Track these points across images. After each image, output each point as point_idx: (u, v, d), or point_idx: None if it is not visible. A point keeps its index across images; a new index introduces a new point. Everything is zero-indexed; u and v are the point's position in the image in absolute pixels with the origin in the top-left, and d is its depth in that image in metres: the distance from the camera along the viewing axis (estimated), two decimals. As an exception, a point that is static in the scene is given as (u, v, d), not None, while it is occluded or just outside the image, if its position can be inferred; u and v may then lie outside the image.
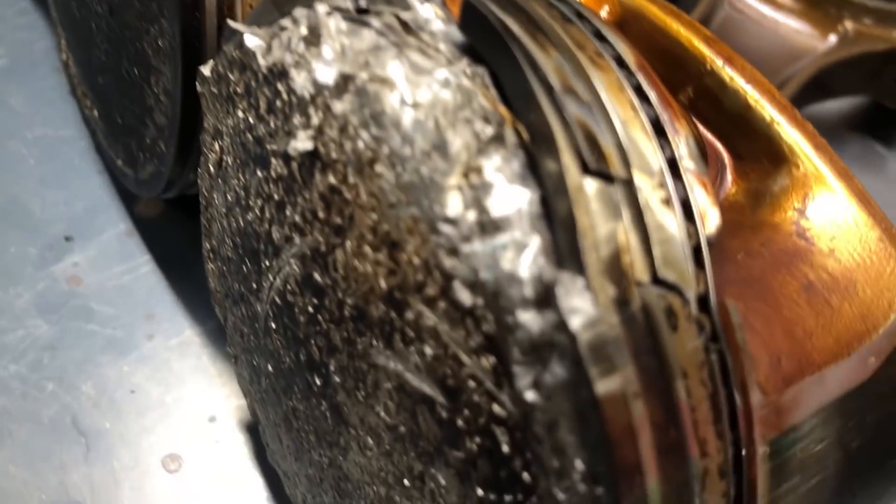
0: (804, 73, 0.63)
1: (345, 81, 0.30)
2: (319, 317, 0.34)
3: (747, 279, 0.30)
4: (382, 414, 0.32)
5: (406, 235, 0.29)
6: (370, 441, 0.34)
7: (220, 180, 0.41)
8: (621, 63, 0.29)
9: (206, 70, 0.39)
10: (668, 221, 0.26)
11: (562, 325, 0.24)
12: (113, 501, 0.48)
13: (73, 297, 0.54)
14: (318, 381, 0.36)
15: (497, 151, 0.27)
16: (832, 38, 0.66)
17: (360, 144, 0.30)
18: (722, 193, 0.35)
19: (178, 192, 0.51)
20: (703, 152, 0.29)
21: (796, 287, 0.31)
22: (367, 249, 0.30)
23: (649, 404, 0.25)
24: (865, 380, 0.30)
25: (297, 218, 0.34)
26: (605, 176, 0.26)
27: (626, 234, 0.25)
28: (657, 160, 0.27)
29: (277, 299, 0.37)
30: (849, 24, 0.66)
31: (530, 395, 0.26)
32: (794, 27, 0.66)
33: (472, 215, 0.27)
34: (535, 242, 0.26)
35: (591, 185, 0.26)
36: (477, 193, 0.27)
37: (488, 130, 0.27)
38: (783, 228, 0.32)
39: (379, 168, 0.29)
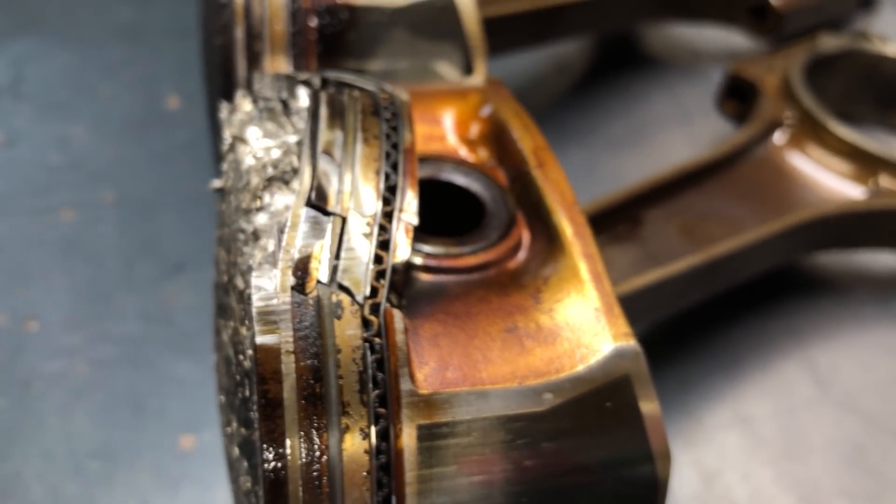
0: (826, 216, 0.66)
1: (233, 140, 0.45)
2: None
3: (462, 314, 0.39)
4: (224, 377, 0.45)
5: (232, 243, 0.42)
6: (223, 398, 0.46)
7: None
8: (396, 146, 0.41)
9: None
10: (359, 246, 0.37)
11: (250, 298, 0.36)
12: None
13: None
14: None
15: (277, 189, 0.40)
16: (861, 190, 0.69)
17: (230, 182, 0.44)
18: (514, 263, 0.44)
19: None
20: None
21: (500, 328, 0.39)
22: (223, 254, 0.44)
23: (300, 362, 0.35)
24: (540, 410, 0.38)
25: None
26: (322, 209, 0.38)
27: (322, 249, 0.37)
28: (373, 207, 0.38)
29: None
30: (883, 180, 0.69)
31: (250, 351, 0.38)
32: (824, 174, 0.70)
33: (250, 227, 0.39)
34: (271, 245, 0.38)
35: (308, 213, 0.38)
36: (253, 214, 0.40)
37: (270, 174, 0.40)
38: (526, 290, 0.41)
39: (230, 198, 0.43)
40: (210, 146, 0.82)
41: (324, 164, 0.39)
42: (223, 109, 0.50)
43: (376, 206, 0.38)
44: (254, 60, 0.57)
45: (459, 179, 0.46)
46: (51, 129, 0.84)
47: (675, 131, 0.87)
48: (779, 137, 0.73)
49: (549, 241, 0.43)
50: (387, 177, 0.40)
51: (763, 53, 0.83)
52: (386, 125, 0.42)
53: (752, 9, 0.85)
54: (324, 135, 0.40)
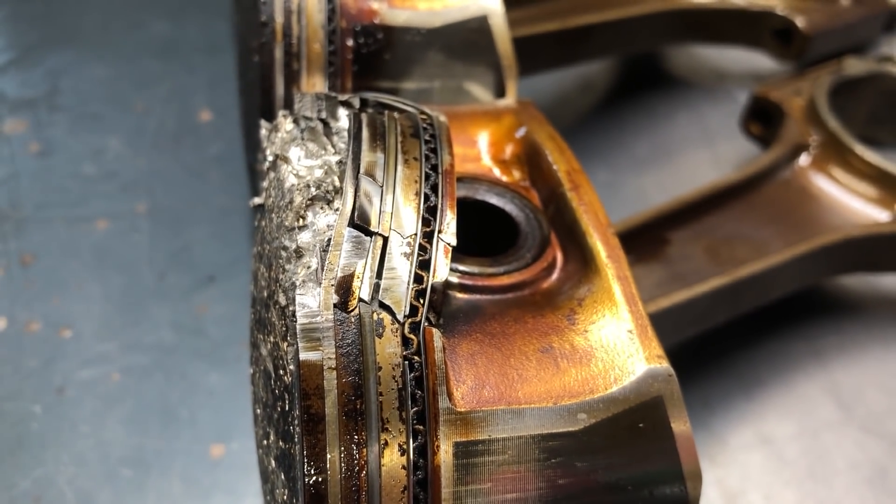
0: (851, 239, 0.67)
1: (275, 158, 0.46)
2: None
3: (498, 334, 0.40)
4: (261, 391, 0.46)
5: (274, 260, 0.43)
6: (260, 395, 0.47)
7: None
8: (435, 168, 0.42)
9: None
10: (400, 266, 0.38)
11: (294, 314, 0.37)
12: None
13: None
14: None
15: (319, 208, 0.41)
16: (886, 214, 0.69)
17: (271, 200, 0.45)
18: (548, 284, 0.45)
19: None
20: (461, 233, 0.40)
21: (535, 348, 0.40)
22: (263, 270, 0.45)
23: (342, 378, 0.36)
24: (574, 430, 0.39)
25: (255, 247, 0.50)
26: (365, 229, 0.39)
27: (364, 268, 0.38)
28: (413, 227, 0.39)
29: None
30: (908, 206, 0.69)
31: (291, 367, 0.39)
32: (849, 197, 0.71)
33: (293, 245, 0.41)
34: (314, 263, 0.39)
35: (351, 233, 0.39)
36: (296, 232, 0.41)
37: (314, 193, 0.41)
38: (560, 311, 0.42)
39: (272, 215, 0.44)
40: (242, 159, 0.84)
41: (366, 184, 0.40)
42: (263, 128, 0.51)
43: (416, 227, 0.39)
44: (291, 79, 0.58)
45: (494, 199, 0.47)
46: (86, 141, 0.85)
47: (699, 152, 0.88)
48: (804, 160, 0.73)
49: (582, 262, 0.44)
50: (426, 198, 0.41)
51: (788, 76, 0.84)
52: (425, 147, 0.43)
53: (777, 31, 0.86)
54: (366, 156, 0.41)
